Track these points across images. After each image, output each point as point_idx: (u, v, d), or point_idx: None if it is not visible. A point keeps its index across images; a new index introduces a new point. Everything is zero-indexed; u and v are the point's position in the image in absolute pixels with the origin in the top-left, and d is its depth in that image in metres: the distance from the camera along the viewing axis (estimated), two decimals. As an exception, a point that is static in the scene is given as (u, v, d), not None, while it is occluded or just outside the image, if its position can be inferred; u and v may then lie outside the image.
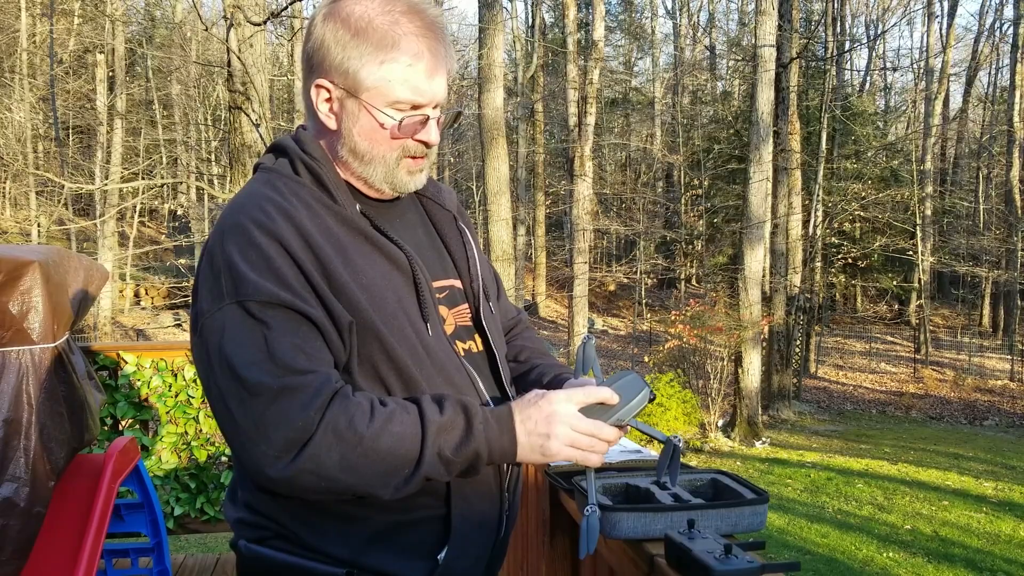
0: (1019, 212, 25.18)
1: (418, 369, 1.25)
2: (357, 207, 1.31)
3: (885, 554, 7.59)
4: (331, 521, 1.26)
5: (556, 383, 1.44)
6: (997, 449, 13.97)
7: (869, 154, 25.78)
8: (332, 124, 1.30)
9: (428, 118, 1.30)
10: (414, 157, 1.32)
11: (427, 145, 1.32)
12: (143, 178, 20.64)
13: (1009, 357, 23.06)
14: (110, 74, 21.05)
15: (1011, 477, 11.16)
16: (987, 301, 29.17)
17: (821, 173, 21.15)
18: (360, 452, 1.13)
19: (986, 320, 28.92)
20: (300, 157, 1.31)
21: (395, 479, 1.16)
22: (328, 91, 1.29)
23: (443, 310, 1.37)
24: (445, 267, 1.43)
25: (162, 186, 26.26)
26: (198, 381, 3.76)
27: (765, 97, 14.74)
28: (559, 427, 1.21)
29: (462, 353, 1.36)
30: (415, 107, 1.28)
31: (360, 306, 1.21)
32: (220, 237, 1.22)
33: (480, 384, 1.35)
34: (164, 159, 26.04)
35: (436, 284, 1.37)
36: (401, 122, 1.27)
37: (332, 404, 1.14)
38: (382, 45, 1.24)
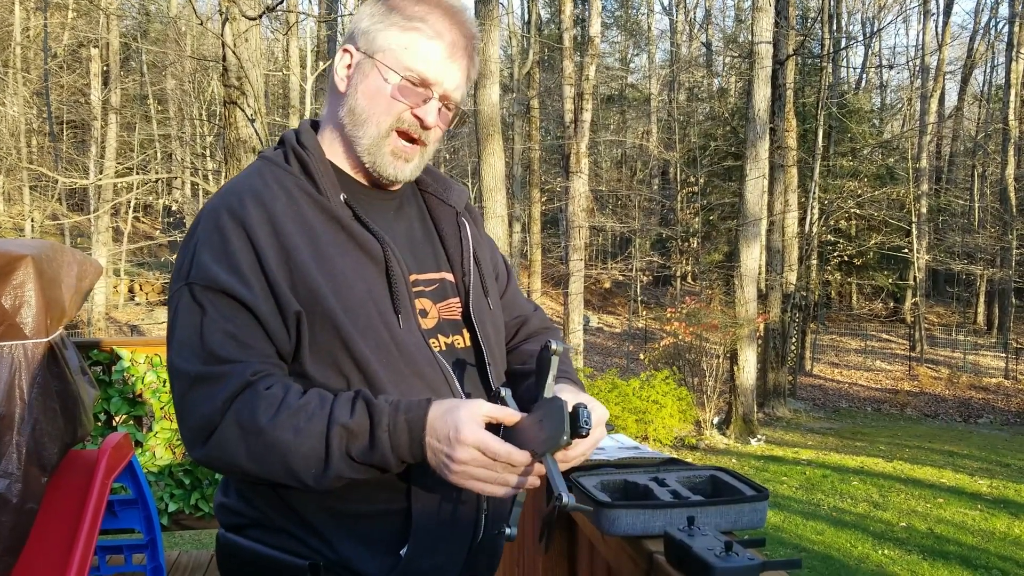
0: (1014, 210, 25.25)
1: (383, 362, 1.23)
2: (342, 197, 1.30)
3: (880, 551, 7.60)
4: (301, 508, 1.25)
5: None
6: (992, 447, 14.02)
7: (865, 151, 25.81)
8: (342, 86, 1.34)
9: (432, 97, 1.31)
10: (407, 137, 1.32)
11: (422, 124, 1.31)
12: (137, 173, 20.59)
13: (1004, 355, 23.14)
14: (104, 68, 20.96)
15: (1005, 475, 11.19)
16: (982, 299, 29.25)
17: (817, 170, 21.16)
18: (262, 444, 1.14)
19: (981, 318, 28.99)
20: (293, 147, 1.33)
21: (308, 473, 1.15)
22: (351, 54, 1.34)
23: (427, 303, 1.35)
24: (438, 260, 1.41)
25: (156, 181, 26.13)
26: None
27: (761, 94, 14.73)
28: (461, 451, 1.13)
29: (442, 347, 1.33)
30: (424, 83, 1.30)
31: (320, 295, 1.21)
32: (198, 220, 1.28)
33: (455, 380, 1.31)
34: (159, 154, 25.94)
35: (425, 276, 1.36)
36: (401, 82, 1.29)
37: (240, 396, 1.15)
38: (410, 17, 1.30)
